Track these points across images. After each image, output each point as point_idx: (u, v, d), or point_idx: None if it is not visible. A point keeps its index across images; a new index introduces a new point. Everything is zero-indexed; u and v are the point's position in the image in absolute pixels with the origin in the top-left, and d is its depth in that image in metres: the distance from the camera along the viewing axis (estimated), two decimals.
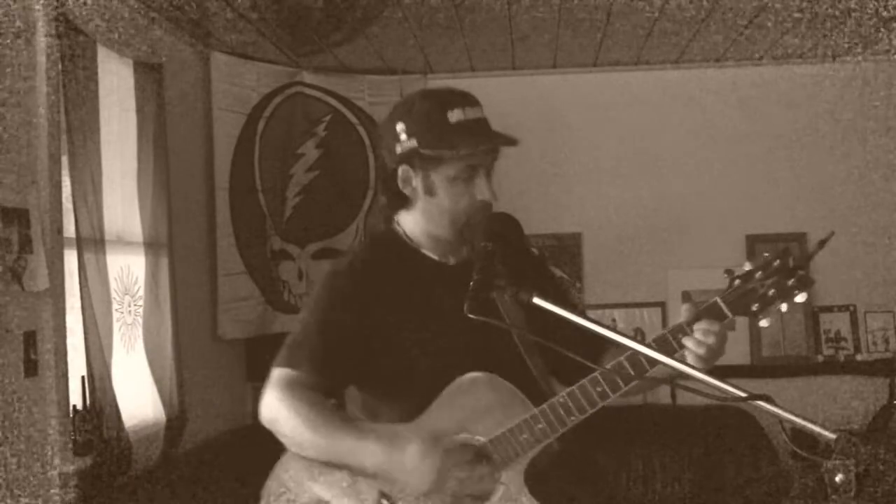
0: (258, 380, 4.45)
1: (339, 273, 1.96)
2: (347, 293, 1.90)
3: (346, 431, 1.79)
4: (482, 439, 1.79)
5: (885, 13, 3.96)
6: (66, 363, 2.91)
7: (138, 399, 3.42)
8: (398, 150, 1.89)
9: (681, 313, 1.83)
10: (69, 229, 2.97)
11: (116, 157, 3.36)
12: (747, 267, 1.78)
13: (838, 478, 1.14)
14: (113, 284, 3.20)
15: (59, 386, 2.86)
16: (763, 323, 1.78)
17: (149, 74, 3.51)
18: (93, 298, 3.01)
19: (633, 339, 1.61)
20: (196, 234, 4.18)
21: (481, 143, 1.88)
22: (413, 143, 1.87)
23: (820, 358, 4.75)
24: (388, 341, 1.87)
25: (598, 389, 1.77)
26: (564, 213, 4.84)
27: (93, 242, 3.05)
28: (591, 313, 4.77)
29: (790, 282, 1.75)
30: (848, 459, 1.26)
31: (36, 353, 2.76)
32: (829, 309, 4.76)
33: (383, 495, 1.78)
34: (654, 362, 1.73)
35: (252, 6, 3.66)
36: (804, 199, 4.77)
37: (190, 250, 4.00)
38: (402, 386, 1.89)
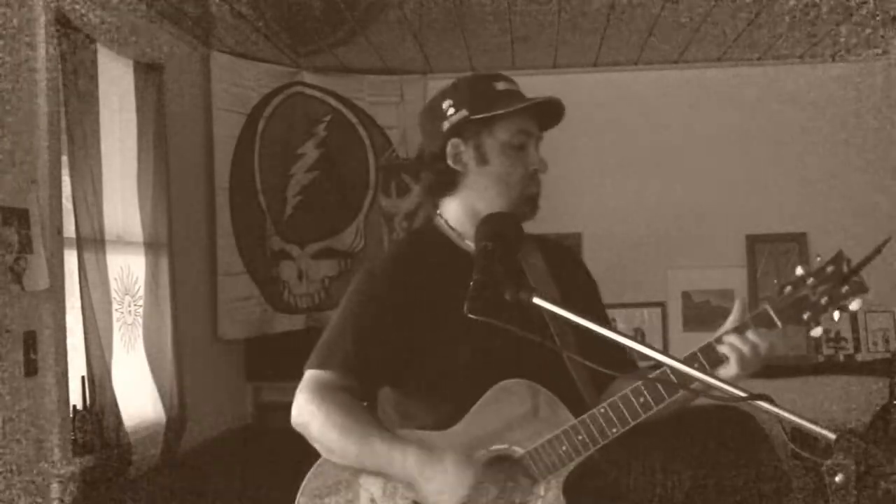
0: (258, 380, 4.49)
1: (375, 272, 1.91)
2: (383, 294, 1.85)
3: (380, 439, 1.74)
4: (520, 450, 1.73)
5: (885, 13, 3.96)
6: (66, 363, 2.91)
7: (138, 399, 3.42)
8: (445, 126, 1.87)
9: (732, 313, 1.75)
10: (69, 229, 2.98)
11: (116, 157, 3.36)
12: (799, 272, 1.70)
13: (838, 478, 1.14)
14: (113, 284, 3.20)
15: (59, 386, 2.86)
16: (815, 332, 1.69)
17: (149, 74, 3.51)
18: (93, 298, 3.01)
19: (633, 339, 1.59)
20: (196, 234, 4.18)
21: (532, 100, 1.86)
22: (463, 112, 1.86)
23: (820, 358, 4.75)
24: (423, 344, 1.82)
25: (641, 400, 1.71)
26: (564, 213, 4.83)
27: (93, 242, 3.05)
28: None
29: (843, 289, 1.68)
30: (848, 459, 1.25)
31: (36, 353, 2.76)
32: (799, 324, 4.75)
33: None
34: (701, 371, 1.63)
35: (252, 6, 3.66)
36: (804, 199, 4.77)
37: (190, 250, 4.00)
38: (437, 389, 1.83)
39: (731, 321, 1.74)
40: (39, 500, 2.76)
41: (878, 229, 4.69)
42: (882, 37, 4.35)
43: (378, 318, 1.84)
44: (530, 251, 1.96)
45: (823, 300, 1.69)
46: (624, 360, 1.99)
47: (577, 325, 1.64)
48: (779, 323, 1.70)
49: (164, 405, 3.46)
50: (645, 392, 1.71)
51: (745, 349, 1.68)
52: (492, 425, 1.75)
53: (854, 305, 1.70)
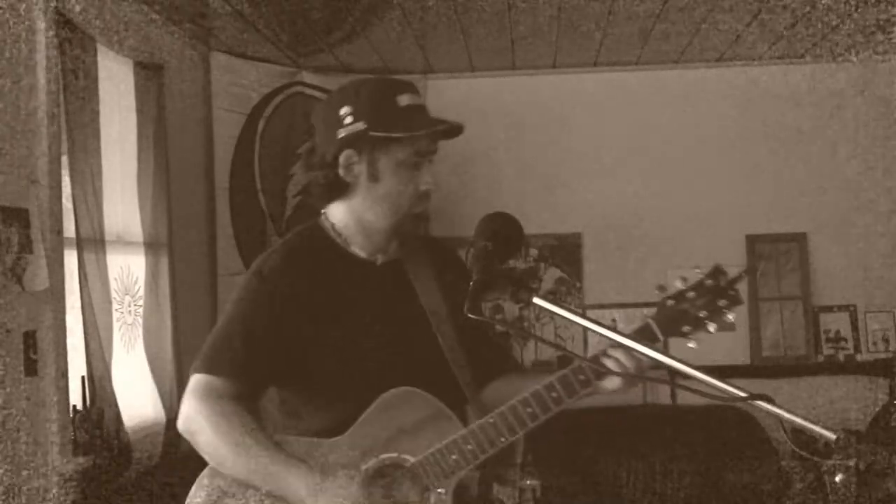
0: None
1: (263, 274, 1.88)
2: (271, 296, 1.83)
3: (271, 454, 1.72)
4: (410, 459, 1.74)
5: (884, 14, 3.96)
6: (66, 363, 2.90)
7: (138, 399, 3.42)
8: (341, 134, 1.81)
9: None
10: (69, 229, 2.97)
11: (116, 157, 3.36)
12: (679, 285, 1.74)
13: (838, 478, 1.14)
14: (113, 284, 3.20)
15: (59, 386, 2.86)
16: (691, 345, 1.73)
17: (149, 74, 3.51)
18: (93, 298, 3.01)
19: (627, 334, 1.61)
20: (196, 234, 4.18)
21: (433, 124, 1.83)
22: (361, 125, 1.80)
23: (820, 358, 4.75)
24: (311, 347, 1.81)
25: (528, 411, 1.71)
26: (564, 213, 4.84)
27: (93, 242, 3.05)
28: (591, 313, 4.78)
29: (720, 302, 1.71)
30: (848, 459, 1.26)
31: (36, 353, 2.76)
32: (829, 309, 4.76)
33: None
34: (585, 385, 1.71)
35: (252, 6, 3.66)
36: (804, 199, 4.77)
37: (190, 250, 4.00)
38: (324, 393, 1.83)
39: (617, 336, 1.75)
40: (39, 500, 2.76)
41: (878, 229, 4.70)
42: (882, 37, 4.35)
43: (266, 320, 1.82)
44: (418, 254, 1.95)
45: (702, 313, 1.71)
46: (505, 359, 2.04)
47: (463, 324, 1.74)
48: (661, 336, 1.74)
49: (164, 405, 3.46)
50: (532, 403, 1.72)
51: (630, 363, 1.71)
52: (382, 433, 1.75)
53: (730, 317, 1.72)
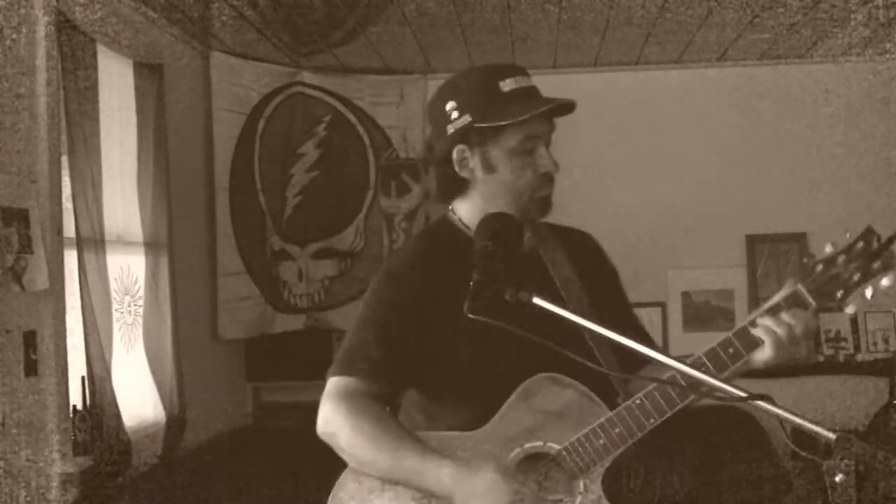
0: (258, 380, 4.49)
1: (395, 273, 1.86)
2: (404, 295, 1.80)
3: (412, 452, 1.69)
4: (556, 446, 1.69)
5: (885, 14, 3.96)
6: (66, 363, 2.91)
7: (138, 399, 3.42)
8: (450, 130, 1.80)
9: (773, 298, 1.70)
10: (69, 229, 2.97)
11: (116, 157, 3.36)
12: (829, 250, 1.65)
13: (838, 478, 1.14)
14: (113, 284, 3.20)
15: (59, 386, 2.86)
16: (849, 310, 1.66)
17: (149, 74, 3.51)
18: (93, 298, 3.01)
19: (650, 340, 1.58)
20: (196, 234, 4.18)
21: (538, 106, 1.78)
22: (467, 118, 1.78)
23: (820, 358, 4.75)
24: (447, 345, 1.77)
25: (678, 389, 1.65)
26: (564, 214, 4.82)
27: (93, 242, 3.05)
28: None
29: (875, 265, 1.63)
30: (848, 459, 1.25)
31: (36, 353, 2.76)
32: (830, 309, 4.75)
33: None
34: (736, 359, 1.64)
35: (252, 6, 3.66)
36: (804, 199, 4.77)
37: (190, 250, 4.00)
38: (464, 389, 1.78)
39: (766, 305, 1.70)
40: (39, 500, 2.76)
41: (878, 229, 4.69)
42: (882, 37, 4.35)
43: (400, 320, 1.79)
44: (551, 242, 1.93)
45: (856, 277, 1.64)
46: (651, 344, 1.94)
47: (605, 314, 1.65)
48: (812, 302, 1.66)
49: (164, 405, 3.46)
50: (680, 380, 1.65)
51: (780, 331, 1.64)
52: (525, 422, 1.71)
53: (886, 281, 1.64)
